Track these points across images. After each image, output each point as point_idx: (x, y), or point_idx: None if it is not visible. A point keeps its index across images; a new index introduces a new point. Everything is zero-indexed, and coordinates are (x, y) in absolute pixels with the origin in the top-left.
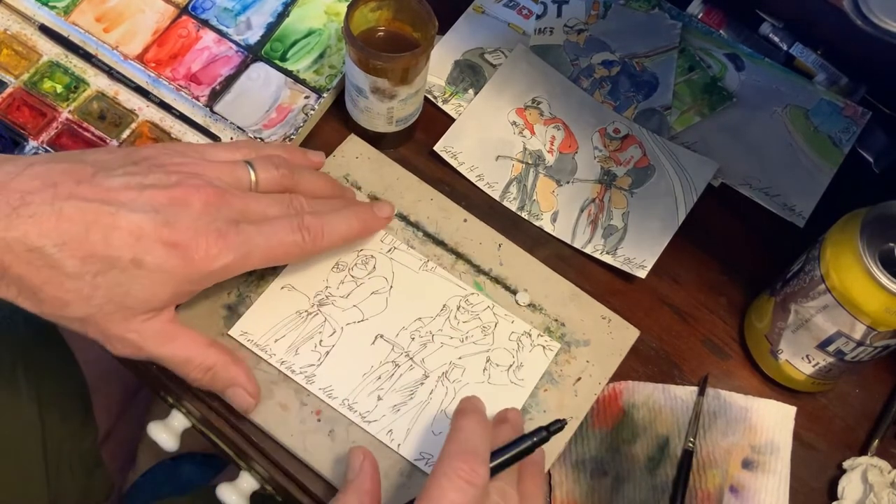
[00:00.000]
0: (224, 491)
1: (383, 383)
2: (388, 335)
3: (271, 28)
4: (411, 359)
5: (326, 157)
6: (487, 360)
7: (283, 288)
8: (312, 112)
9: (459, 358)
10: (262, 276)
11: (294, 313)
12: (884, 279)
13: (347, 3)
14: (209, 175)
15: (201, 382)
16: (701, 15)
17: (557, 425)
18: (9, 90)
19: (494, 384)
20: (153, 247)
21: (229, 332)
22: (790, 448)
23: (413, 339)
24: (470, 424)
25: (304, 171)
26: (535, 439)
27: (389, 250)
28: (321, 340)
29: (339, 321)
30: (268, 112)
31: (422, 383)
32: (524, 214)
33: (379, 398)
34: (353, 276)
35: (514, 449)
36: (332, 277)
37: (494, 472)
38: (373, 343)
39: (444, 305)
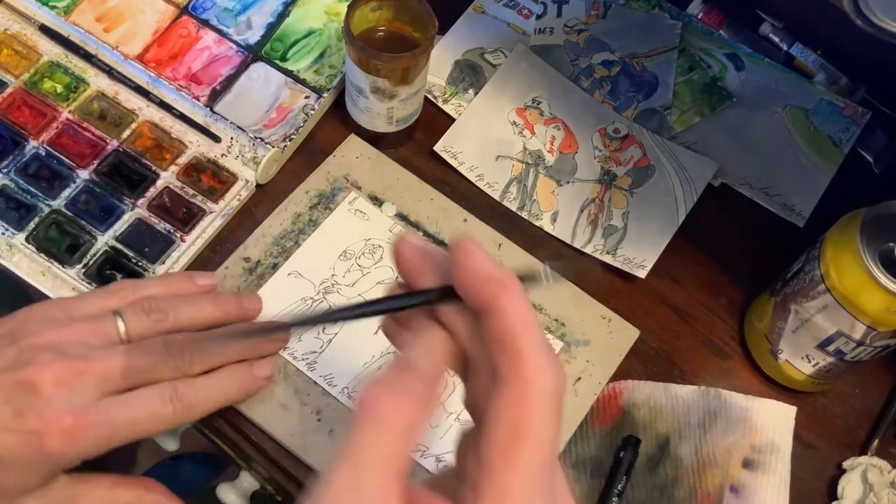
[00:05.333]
0: (224, 491)
1: None
2: None
3: (271, 28)
4: None
5: (327, 157)
6: None
7: (289, 274)
8: (312, 112)
9: None
10: (262, 275)
11: (299, 300)
12: (883, 279)
13: (347, 3)
14: (67, 341)
15: None
16: (701, 15)
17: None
18: (9, 90)
19: None
20: (5, 438)
21: None
22: (790, 448)
23: None
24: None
25: (184, 306)
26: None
27: None
28: (324, 328)
29: None
30: (268, 112)
31: None
32: (524, 214)
33: None
34: (359, 266)
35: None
36: (338, 265)
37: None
38: (375, 333)
39: None
